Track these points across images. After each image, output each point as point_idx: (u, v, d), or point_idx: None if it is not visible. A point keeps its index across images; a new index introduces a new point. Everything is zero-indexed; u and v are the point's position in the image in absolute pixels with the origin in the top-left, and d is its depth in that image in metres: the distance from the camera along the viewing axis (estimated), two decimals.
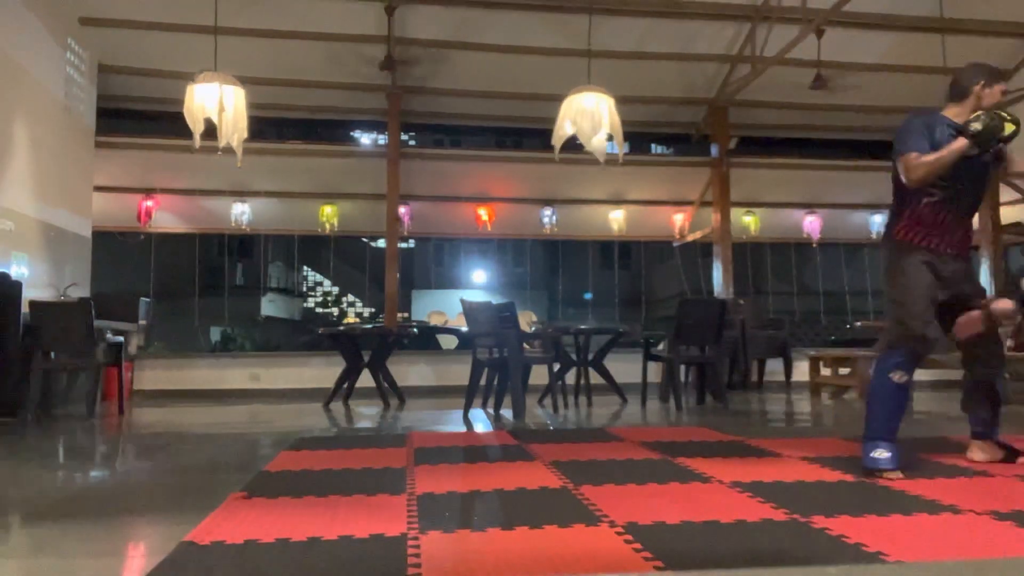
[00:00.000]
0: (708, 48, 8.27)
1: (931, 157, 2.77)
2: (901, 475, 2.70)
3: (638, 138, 12.55)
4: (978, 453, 3.06)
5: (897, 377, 2.79)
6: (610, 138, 5.88)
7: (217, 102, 5.32)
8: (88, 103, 7.74)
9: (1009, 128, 2.76)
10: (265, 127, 11.78)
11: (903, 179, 2.84)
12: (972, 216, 3.02)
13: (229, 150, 5.62)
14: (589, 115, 5.62)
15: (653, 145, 15.68)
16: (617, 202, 9.64)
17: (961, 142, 2.77)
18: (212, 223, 9.60)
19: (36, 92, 6.59)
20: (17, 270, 6.08)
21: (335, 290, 24.80)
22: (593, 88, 5.80)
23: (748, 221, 9.80)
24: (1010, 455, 2.99)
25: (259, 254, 21.14)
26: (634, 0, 7.54)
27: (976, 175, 2.91)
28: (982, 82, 2.90)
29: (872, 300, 15.71)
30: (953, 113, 2.94)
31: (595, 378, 6.60)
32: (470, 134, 17.41)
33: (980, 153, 2.82)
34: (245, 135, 5.59)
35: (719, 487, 2.59)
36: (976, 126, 2.77)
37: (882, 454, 2.74)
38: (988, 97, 2.89)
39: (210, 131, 5.50)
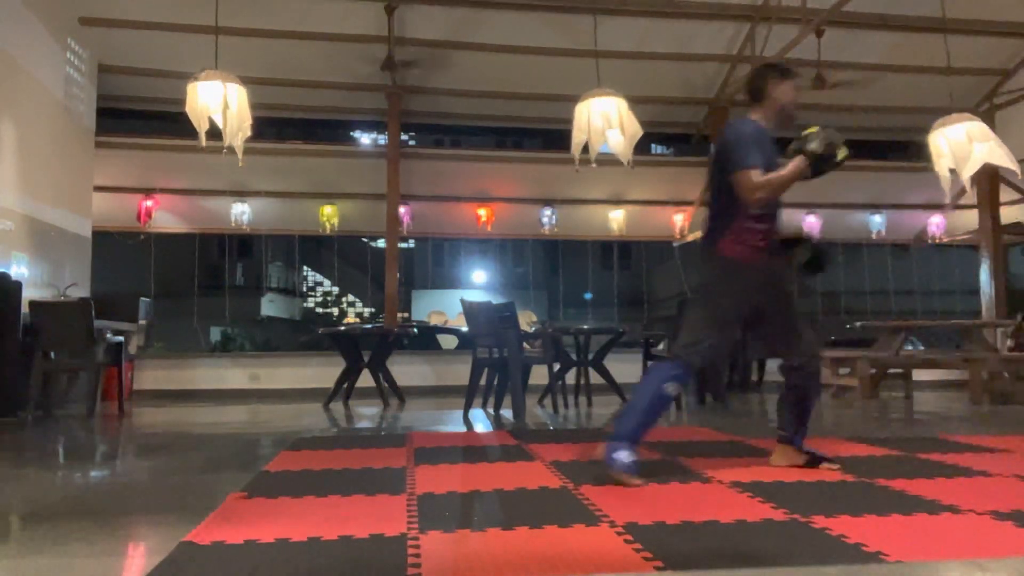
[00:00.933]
0: (708, 48, 8.28)
1: (773, 178, 2.68)
2: (640, 483, 2.59)
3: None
4: (777, 458, 2.96)
5: (671, 389, 2.70)
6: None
7: (221, 100, 5.31)
8: (88, 103, 7.74)
9: (842, 153, 2.70)
10: (265, 127, 11.78)
11: (742, 196, 2.70)
12: (780, 217, 2.93)
13: (230, 149, 5.62)
14: (607, 120, 5.66)
15: (653, 145, 15.68)
16: (617, 202, 9.64)
17: (800, 163, 2.69)
18: (212, 223, 9.59)
19: (36, 92, 6.59)
20: (17, 270, 6.08)
21: (335, 290, 24.81)
22: (606, 91, 5.82)
23: None
24: (812, 461, 2.90)
25: (259, 254, 21.12)
26: (634, 0, 7.54)
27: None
28: (774, 80, 2.84)
29: (872, 300, 15.72)
30: (758, 117, 2.88)
31: (595, 378, 6.60)
32: (470, 134, 17.41)
33: (814, 175, 2.74)
34: (249, 133, 5.59)
35: (719, 487, 2.59)
36: (814, 147, 2.69)
37: (624, 456, 2.63)
38: (783, 95, 2.84)
39: (213, 130, 5.51)
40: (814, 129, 2.76)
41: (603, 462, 2.65)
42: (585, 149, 5.85)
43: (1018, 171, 6.19)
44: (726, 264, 2.81)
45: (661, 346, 6.99)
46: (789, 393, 2.93)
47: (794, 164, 2.71)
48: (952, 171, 5.78)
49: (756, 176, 2.67)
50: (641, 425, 2.71)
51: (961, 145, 5.70)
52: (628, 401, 2.85)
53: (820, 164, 2.71)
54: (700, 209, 9.60)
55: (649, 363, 6.40)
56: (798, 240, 2.89)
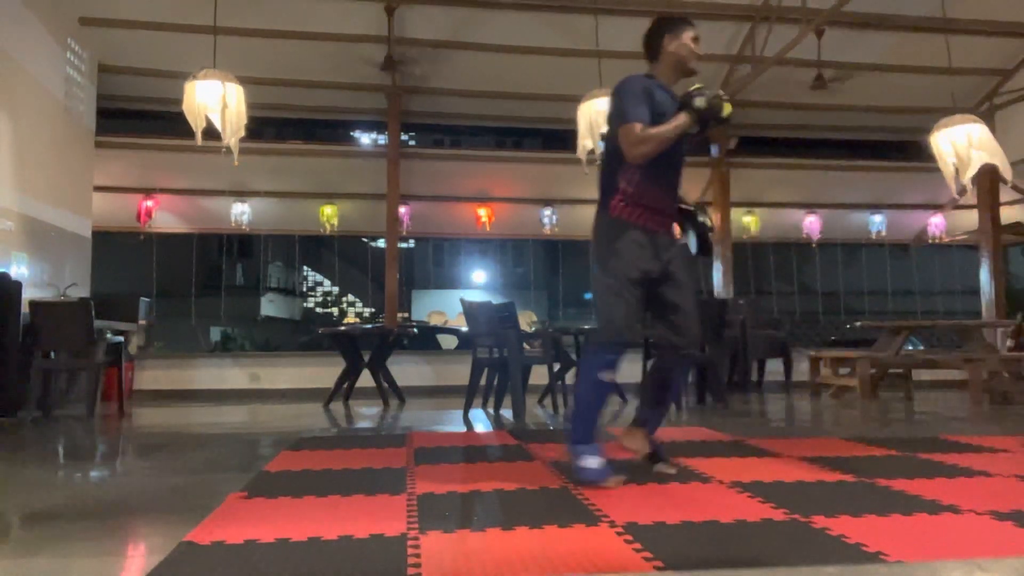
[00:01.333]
0: (708, 48, 8.19)
1: (654, 132, 2.58)
2: (623, 479, 2.57)
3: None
4: (628, 439, 2.86)
5: (607, 376, 2.63)
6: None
7: (219, 99, 5.32)
8: (88, 103, 7.74)
9: (727, 109, 2.61)
10: (265, 127, 11.82)
11: (624, 152, 2.61)
12: (678, 188, 2.85)
13: (230, 149, 5.62)
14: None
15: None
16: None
17: (684, 119, 2.59)
18: (212, 223, 9.59)
19: (36, 92, 6.59)
20: (17, 270, 6.08)
21: (335, 290, 24.80)
22: (607, 92, 5.83)
23: (748, 221, 9.80)
24: (653, 456, 2.85)
25: (259, 254, 21.14)
26: (634, 0, 7.54)
27: (681, 146, 2.75)
28: (668, 34, 2.75)
29: (872, 300, 15.72)
30: (658, 73, 2.79)
31: None
32: (470, 134, 17.42)
33: (699, 132, 2.67)
34: (243, 133, 5.59)
35: (719, 487, 2.59)
36: (700, 103, 2.60)
37: (592, 463, 2.60)
38: (679, 48, 2.74)
39: (211, 130, 5.51)
40: (699, 85, 2.68)
41: (574, 474, 2.60)
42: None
43: (1009, 180, 6.23)
44: (612, 223, 2.71)
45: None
46: (656, 373, 2.85)
47: (677, 119, 2.60)
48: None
49: (638, 129, 2.57)
50: (590, 423, 2.68)
51: (963, 147, 5.71)
52: (571, 404, 2.79)
53: (706, 120, 2.62)
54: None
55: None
56: (691, 215, 2.80)
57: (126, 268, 11.75)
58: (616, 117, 2.67)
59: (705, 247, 2.79)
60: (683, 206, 2.81)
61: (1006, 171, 5.82)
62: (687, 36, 2.76)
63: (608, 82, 6.32)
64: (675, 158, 2.76)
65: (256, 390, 8.19)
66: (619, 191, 2.71)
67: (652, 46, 2.79)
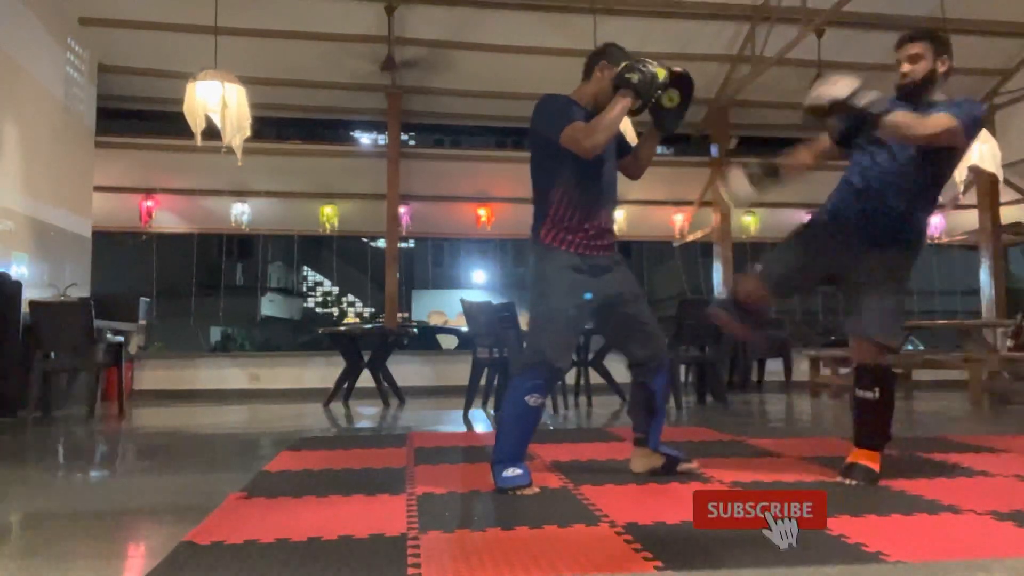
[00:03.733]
0: (708, 48, 8.27)
1: (596, 121, 2.51)
2: (537, 489, 2.52)
3: (639, 138, 12.55)
4: (636, 462, 2.81)
5: (533, 400, 2.56)
6: None
7: (219, 100, 5.32)
8: (88, 103, 7.73)
9: (662, 73, 2.53)
10: (265, 127, 11.78)
11: (578, 149, 2.49)
12: (615, 205, 2.84)
13: (229, 149, 5.62)
14: None
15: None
16: (617, 202, 9.64)
17: (624, 100, 2.52)
18: (212, 223, 9.60)
19: (36, 92, 6.59)
20: (17, 270, 6.07)
21: (335, 290, 24.79)
22: None
23: (748, 221, 9.80)
24: (669, 464, 2.78)
25: (259, 254, 21.11)
26: (634, 0, 7.54)
27: (610, 155, 2.73)
28: (602, 63, 2.68)
29: None
30: (580, 94, 2.72)
31: (595, 378, 6.60)
32: (470, 134, 17.40)
33: (642, 107, 2.58)
34: (248, 133, 5.59)
35: (719, 487, 2.59)
36: (632, 76, 2.51)
37: (514, 472, 2.53)
38: (602, 80, 2.67)
39: (212, 131, 5.51)
40: (625, 64, 2.59)
41: (498, 487, 2.52)
42: None
43: (1000, 179, 6.27)
44: (543, 252, 2.64)
45: None
46: (637, 391, 2.82)
47: (616, 101, 2.53)
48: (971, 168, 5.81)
49: (578, 126, 2.50)
50: (517, 442, 2.60)
51: None
52: (497, 427, 2.72)
53: (648, 89, 2.53)
54: (700, 209, 9.62)
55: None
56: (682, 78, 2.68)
57: (126, 268, 11.76)
58: (547, 129, 2.58)
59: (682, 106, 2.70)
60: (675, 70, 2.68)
61: (996, 169, 5.84)
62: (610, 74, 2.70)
63: None
64: (607, 174, 2.72)
65: (256, 390, 8.19)
66: (548, 216, 2.64)
67: (589, 66, 2.75)
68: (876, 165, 2.69)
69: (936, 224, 10.03)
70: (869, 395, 2.71)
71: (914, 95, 2.67)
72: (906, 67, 2.69)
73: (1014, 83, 8.84)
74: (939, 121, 2.50)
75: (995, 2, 7.64)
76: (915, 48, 2.68)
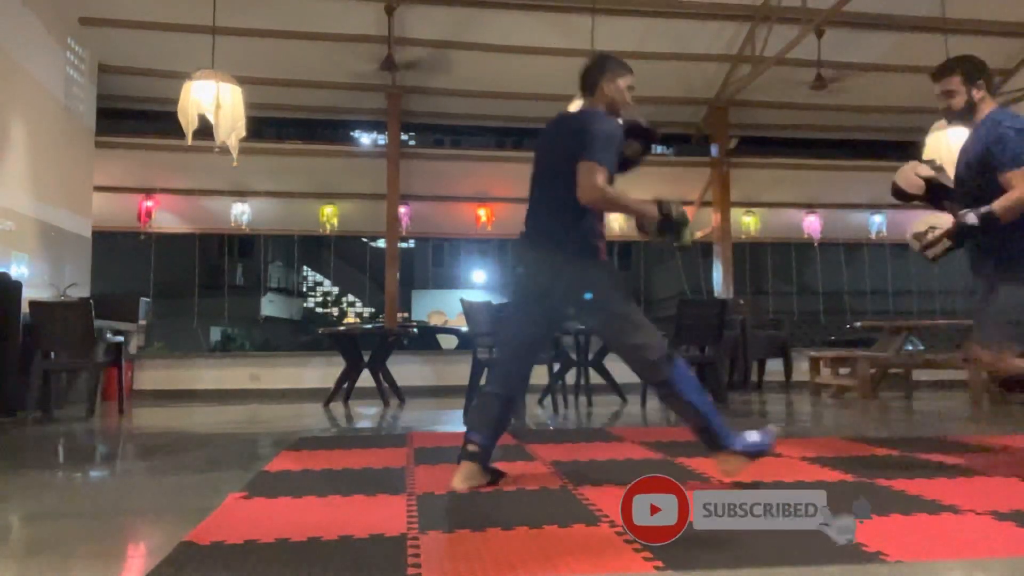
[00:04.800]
0: (708, 48, 8.27)
1: (620, 199, 2.56)
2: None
3: None
4: (459, 480, 2.58)
5: (693, 371, 2.60)
6: None
7: (213, 99, 5.33)
8: (88, 103, 7.73)
9: (687, 239, 2.61)
10: (265, 127, 11.81)
11: (579, 190, 2.50)
12: None
13: (225, 149, 5.63)
14: None
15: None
16: None
17: (652, 210, 2.57)
18: (212, 223, 9.60)
19: (36, 92, 6.59)
20: (17, 270, 6.08)
21: (335, 290, 24.79)
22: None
23: (748, 221, 9.80)
24: (495, 477, 2.66)
25: (259, 254, 21.13)
26: (634, 0, 7.54)
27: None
28: (607, 76, 2.70)
29: (872, 300, 15.72)
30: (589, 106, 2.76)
31: (595, 378, 6.60)
32: (470, 134, 17.43)
33: (659, 233, 2.60)
34: (243, 133, 5.60)
35: (719, 487, 2.59)
36: (674, 212, 2.58)
37: (753, 437, 2.54)
38: (612, 92, 2.69)
39: (207, 130, 5.51)
40: (676, 202, 2.64)
41: (750, 452, 2.51)
42: None
43: None
44: (606, 266, 2.67)
45: None
46: (491, 400, 2.71)
47: (645, 206, 2.59)
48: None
49: (601, 181, 2.48)
50: (722, 422, 2.59)
51: (956, 147, 5.73)
52: (698, 423, 2.60)
53: (664, 233, 2.60)
54: (700, 209, 9.62)
55: None
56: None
57: (126, 268, 11.75)
58: (598, 149, 2.51)
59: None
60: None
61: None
62: (623, 83, 2.73)
63: None
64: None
65: (256, 390, 8.19)
66: (600, 235, 2.66)
67: (589, 82, 2.75)
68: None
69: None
70: None
71: (961, 119, 2.92)
72: (943, 102, 2.89)
73: (1014, 83, 8.84)
74: (1018, 189, 2.67)
75: (995, 2, 7.64)
76: (947, 85, 2.87)
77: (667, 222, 2.58)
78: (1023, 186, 2.65)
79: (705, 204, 9.59)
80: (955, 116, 2.90)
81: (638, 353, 2.54)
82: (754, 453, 2.53)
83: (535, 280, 2.67)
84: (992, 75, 2.91)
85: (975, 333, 2.91)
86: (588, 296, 2.57)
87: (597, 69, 2.74)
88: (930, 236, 2.87)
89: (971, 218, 2.72)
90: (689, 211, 9.79)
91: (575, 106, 5.97)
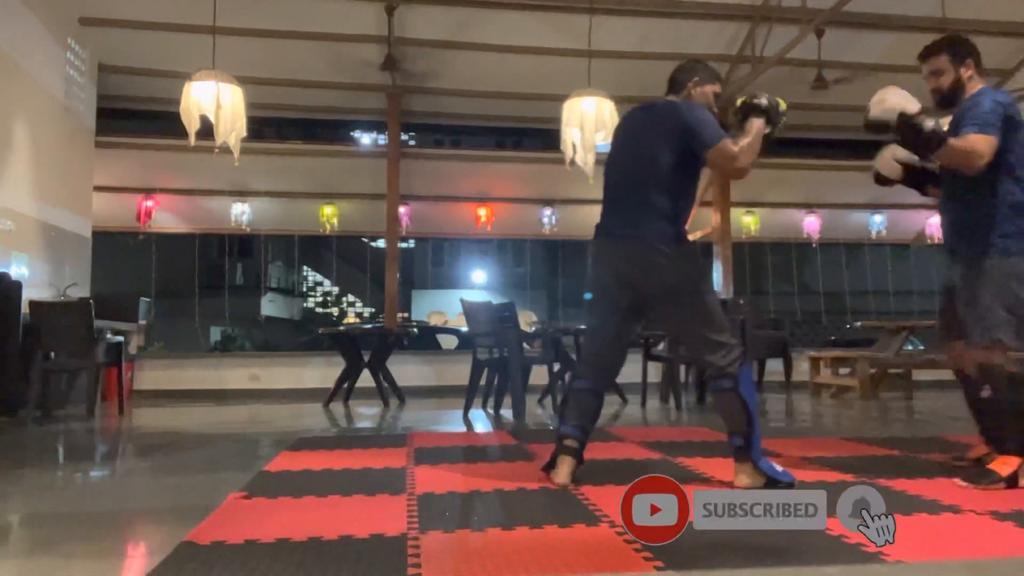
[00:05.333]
0: (708, 48, 8.27)
1: (746, 143, 2.60)
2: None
3: None
4: (563, 476, 2.62)
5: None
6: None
7: (213, 99, 5.33)
8: (88, 103, 7.73)
9: (783, 104, 2.68)
10: (265, 127, 11.81)
11: (725, 169, 2.63)
12: None
13: (226, 149, 5.63)
14: (591, 121, 5.72)
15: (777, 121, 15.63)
16: None
17: (758, 123, 2.64)
18: (212, 223, 9.60)
19: (36, 92, 6.59)
20: (17, 270, 6.08)
21: (335, 290, 24.79)
22: (593, 91, 5.86)
23: (748, 221, 9.80)
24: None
25: (259, 254, 21.11)
26: (634, 0, 7.54)
27: None
28: (696, 79, 2.76)
29: (872, 300, 15.70)
30: None
31: None
32: (470, 134, 17.41)
33: (770, 133, 2.69)
34: (244, 133, 5.61)
35: (719, 487, 2.59)
36: (763, 101, 2.65)
37: (782, 468, 2.56)
38: (698, 96, 2.74)
39: (209, 130, 5.51)
40: (750, 94, 2.72)
41: (781, 480, 2.49)
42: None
43: None
44: (692, 252, 2.71)
45: (661, 346, 6.99)
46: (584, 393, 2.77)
47: (754, 125, 2.64)
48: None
49: (733, 144, 2.57)
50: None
51: None
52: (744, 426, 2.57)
53: (777, 116, 2.67)
54: (700, 209, 9.61)
55: (649, 363, 6.39)
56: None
57: (126, 268, 11.75)
58: (706, 135, 2.57)
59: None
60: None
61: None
62: (710, 89, 2.78)
63: (599, 82, 6.32)
64: None
65: (256, 390, 8.19)
66: (684, 215, 2.68)
67: (678, 82, 2.79)
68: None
69: (937, 224, 10.04)
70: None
71: (950, 103, 2.83)
72: (932, 82, 2.84)
73: (1014, 83, 8.83)
74: (975, 144, 2.59)
75: (995, 2, 7.64)
76: (935, 64, 2.82)
77: (771, 114, 2.65)
78: (979, 146, 2.59)
79: (705, 204, 9.57)
80: (943, 98, 2.82)
81: (716, 347, 2.55)
82: (772, 478, 2.50)
83: (623, 271, 2.65)
84: (980, 57, 2.82)
85: (967, 331, 2.71)
86: (680, 284, 2.58)
87: (688, 72, 2.79)
88: (889, 100, 2.68)
89: (928, 123, 2.60)
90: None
91: (582, 103, 6.00)
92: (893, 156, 3.01)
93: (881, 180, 3.09)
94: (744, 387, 2.53)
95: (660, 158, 2.62)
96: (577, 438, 2.68)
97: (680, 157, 2.63)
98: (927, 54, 2.85)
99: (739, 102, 2.72)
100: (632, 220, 2.64)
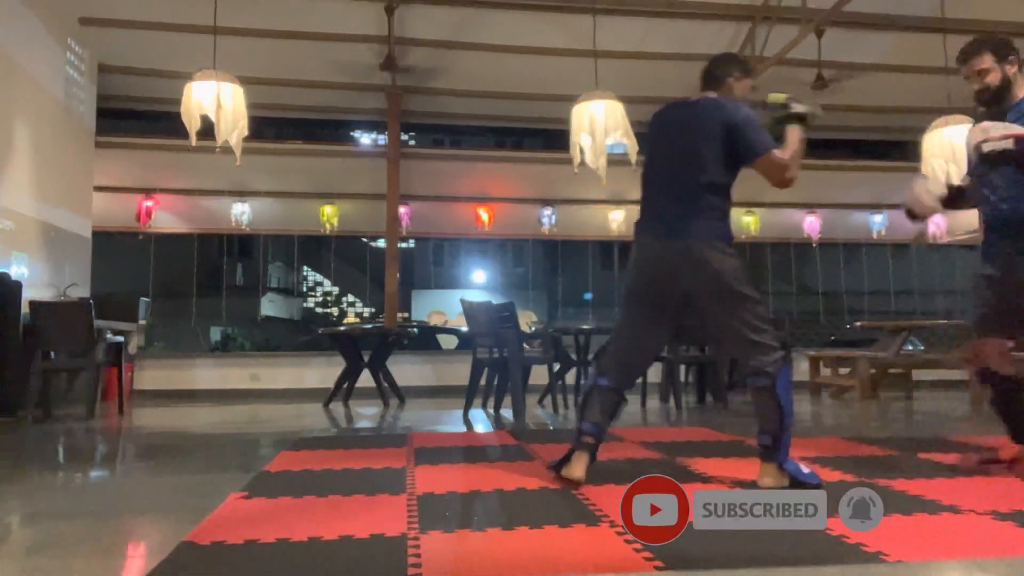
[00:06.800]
0: (708, 48, 8.24)
1: (792, 153, 2.63)
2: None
3: (638, 138, 12.55)
4: (579, 470, 2.62)
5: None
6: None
7: (214, 99, 5.33)
8: (88, 103, 7.73)
9: (819, 111, 2.70)
10: (265, 127, 11.81)
11: (775, 178, 2.62)
12: None
13: (227, 149, 5.63)
14: (601, 124, 5.72)
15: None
16: (617, 202, 9.63)
17: (800, 132, 2.65)
18: (212, 223, 9.60)
19: (36, 92, 6.59)
20: (17, 270, 6.08)
21: (335, 290, 24.78)
22: (602, 94, 5.87)
23: (748, 221, 9.80)
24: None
25: (259, 254, 21.13)
26: (634, 0, 7.54)
27: None
28: (736, 74, 2.74)
29: (872, 300, 15.71)
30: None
31: None
32: (470, 134, 17.43)
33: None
34: (245, 133, 5.61)
35: (719, 487, 2.59)
36: (803, 109, 2.66)
37: (805, 468, 2.55)
38: (739, 89, 2.75)
39: (209, 130, 5.51)
40: (779, 97, 2.70)
41: (808, 481, 2.48)
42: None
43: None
44: (735, 252, 2.64)
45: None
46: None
47: (795, 134, 2.65)
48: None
49: (781, 154, 2.59)
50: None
51: (956, 146, 5.73)
52: (776, 426, 2.59)
53: (813, 120, 2.69)
54: None
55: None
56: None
57: (126, 268, 11.74)
58: (756, 141, 2.58)
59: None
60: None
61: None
62: (748, 84, 2.79)
63: (605, 83, 6.32)
64: None
65: (256, 390, 8.19)
66: (729, 216, 2.67)
67: (717, 77, 2.76)
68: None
69: (936, 224, 10.04)
70: None
71: (995, 102, 2.79)
72: (978, 84, 2.79)
73: None
74: None
75: (995, 2, 7.64)
76: (980, 64, 2.77)
77: (807, 120, 2.67)
78: None
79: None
80: (990, 97, 2.77)
81: (759, 349, 2.53)
82: (798, 479, 2.49)
83: (674, 271, 2.61)
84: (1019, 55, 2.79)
85: (990, 327, 2.74)
86: (731, 284, 2.55)
87: (726, 67, 2.78)
88: (992, 133, 2.62)
89: None
90: None
91: (591, 106, 5.99)
92: (927, 190, 2.97)
93: (913, 216, 3.14)
94: (781, 387, 2.52)
95: (709, 156, 2.60)
96: (595, 435, 2.68)
97: (728, 156, 2.62)
98: (968, 54, 2.81)
99: (772, 101, 2.70)
100: (684, 219, 2.60)
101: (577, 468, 2.63)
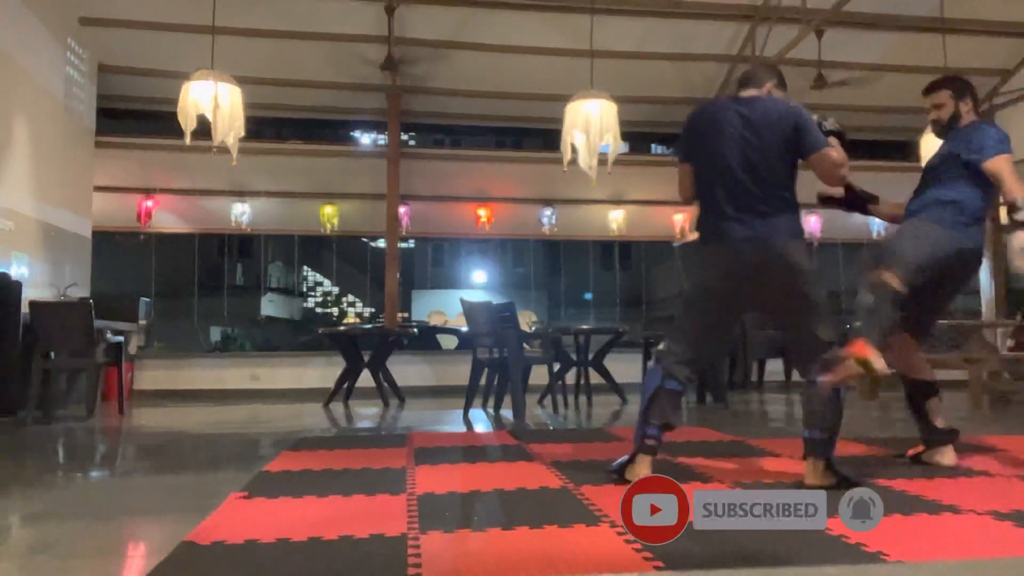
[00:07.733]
0: (708, 48, 8.27)
1: (843, 155, 2.79)
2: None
3: (638, 138, 12.53)
4: (644, 474, 2.56)
5: None
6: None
7: (211, 99, 5.34)
8: (88, 103, 7.73)
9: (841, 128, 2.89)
10: (264, 127, 11.82)
11: (828, 175, 2.79)
12: None
13: (224, 148, 5.63)
14: (596, 124, 5.72)
15: (653, 145, 15.69)
16: (617, 202, 9.64)
17: (837, 142, 2.81)
18: (212, 223, 9.60)
19: (36, 92, 6.59)
20: (17, 270, 6.08)
21: (335, 290, 24.77)
22: (597, 94, 5.86)
23: None
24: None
25: (259, 254, 21.12)
26: (634, 0, 7.54)
27: None
28: (775, 82, 2.84)
29: None
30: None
31: (595, 378, 6.60)
32: (470, 134, 17.41)
33: None
34: (242, 133, 5.61)
35: (719, 487, 2.59)
36: (834, 126, 2.84)
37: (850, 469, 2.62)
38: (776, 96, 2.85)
39: (208, 130, 5.52)
40: (822, 114, 2.86)
41: (854, 481, 2.43)
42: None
43: None
44: (807, 247, 2.76)
45: (661, 346, 6.99)
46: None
47: (839, 147, 2.79)
48: None
49: (836, 153, 2.70)
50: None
51: None
52: (828, 423, 2.60)
53: (846, 138, 2.89)
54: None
55: (649, 363, 6.39)
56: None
57: (126, 268, 11.75)
58: (816, 139, 2.69)
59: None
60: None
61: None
62: (783, 95, 2.86)
63: (598, 82, 6.32)
64: None
65: (256, 390, 8.19)
66: (799, 209, 2.78)
67: (759, 79, 2.83)
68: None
69: None
70: None
71: (944, 132, 3.16)
72: (933, 114, 3.16)
73: (1014, 83, 8.84)
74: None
75: (995, 2, 7.64)
76: (937, 98, 3.13)
77: (842, 136, 2.84)
78: (1007, 167, 2.85)
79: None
80: (940, 128, 3.13)
81: (821, 344, 2.58)
82: (842, 478, 2.47)
83: (747, 265, 2.62)
84: (979, 97, 3.10)
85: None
86: (806, 280, 2.62)
87: (769, 72, 2.87)
88: None
89: None
90: (689, 211, 9.82)
91: (585, 105, 5.98)
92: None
93: (824, 201, 3.58)
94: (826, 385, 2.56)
95: (781, 154, 2.68)
96: (658, 438, 2.71)
97: (793, 154, 2.71)
98: (931, 89, 3.15)
99: (821, 123, 2.84)
100: (763, 217, 2.65)
101: (641, 471, 2.63)
